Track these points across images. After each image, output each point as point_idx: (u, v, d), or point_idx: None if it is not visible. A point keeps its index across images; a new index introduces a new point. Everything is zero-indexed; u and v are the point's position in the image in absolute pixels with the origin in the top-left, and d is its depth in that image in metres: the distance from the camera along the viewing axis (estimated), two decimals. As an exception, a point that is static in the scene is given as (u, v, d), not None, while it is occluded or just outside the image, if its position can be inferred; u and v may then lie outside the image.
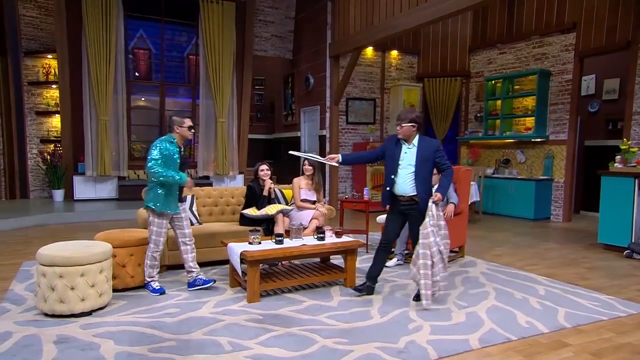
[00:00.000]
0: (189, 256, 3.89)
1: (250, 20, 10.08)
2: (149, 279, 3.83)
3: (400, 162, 3.60)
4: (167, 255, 4.39)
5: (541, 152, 8.42)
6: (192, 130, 3.87)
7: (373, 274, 3.81)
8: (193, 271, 3.90)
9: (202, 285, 3.86)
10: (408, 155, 3.59)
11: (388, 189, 3.66)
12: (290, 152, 4.27)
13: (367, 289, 3.79)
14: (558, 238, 6.56)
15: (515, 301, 3.69)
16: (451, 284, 4.15)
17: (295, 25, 10.84)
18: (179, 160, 3.79)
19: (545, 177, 8.19)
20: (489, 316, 3.35)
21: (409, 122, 3.54)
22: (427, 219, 3.46)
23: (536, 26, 8.34)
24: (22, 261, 4.79)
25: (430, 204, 3.47)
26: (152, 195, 3.71)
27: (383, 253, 3.80)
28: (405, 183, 3.57)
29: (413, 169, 3.56)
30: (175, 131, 3.80)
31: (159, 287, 3.79)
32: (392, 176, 3.61)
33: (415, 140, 3.59)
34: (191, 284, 3.89)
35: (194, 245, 3.94)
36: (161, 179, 3.63)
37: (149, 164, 3.63)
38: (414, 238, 3.64)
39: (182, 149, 3.89)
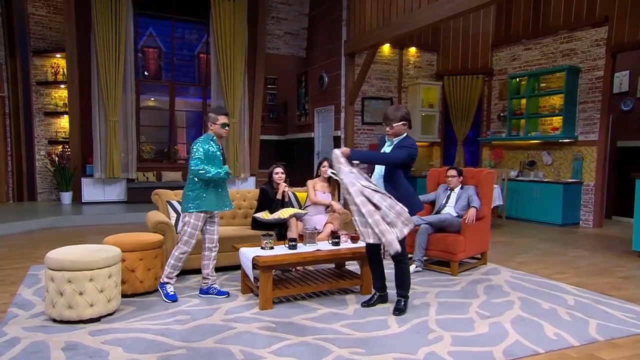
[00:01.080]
0: (211, 263, 3.92)
1: (262, 18, 10.15)
2: (166, 279, 3.80)
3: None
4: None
5: (569, 154, 8.30)
6: (227, 128, 3.78)
7: (378, 285, 3.79)
8: (209, 278, 3.92)
9: (215, 294, 3.88)
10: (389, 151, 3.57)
11: None
12: (330, 172, 4.31)
13: (379, 298, 3.77)
14: (588, 245, 6.45)
15: (542, 311, 3.63)
16: (473, 293, 4.11)
17: (309, 22, 10.88)
18: (222, 159, 3.79)
19: (573, 180, 8.06)
20: (514, 327, 3.30)
21: (400, 121, 3.49)
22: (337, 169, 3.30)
23: (564, 20, 8.23)
24: (30, 265, 4.88)
25: (336, 151, 3.31)
26: (193, 196, 3.70)
27: (373, 261, 3.76)
28: (379, 183, 3.53)
29: (383, 168, 3.53)
30: (210, 128, 3.76)
31: (172, 293, 3.78)
32: (377, 176, 3.59)
33: (397, 139, 3.54)
34: (204, 291, 3.91)
35: (216, 253, 3.96)
36: (208, 175, 3.60)
37: (193, 162, 3.62)
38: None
39: (222, 147, 3.86)
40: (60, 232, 6.76)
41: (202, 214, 3.74)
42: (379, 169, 3.58)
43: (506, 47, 9.43)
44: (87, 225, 7.38)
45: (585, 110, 8.03)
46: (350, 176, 3.30)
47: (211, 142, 3.74)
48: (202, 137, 3.78)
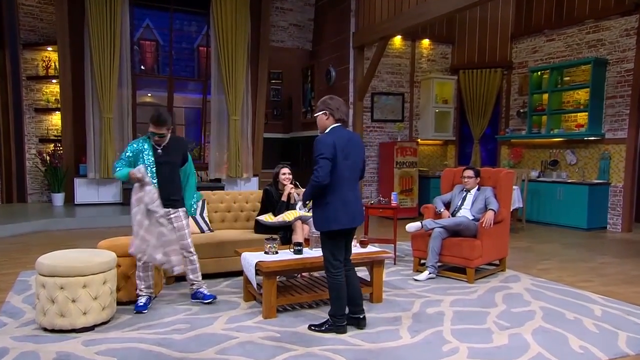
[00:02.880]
0: (189, 267, 3.94)
1: (266, 8, 10.17)
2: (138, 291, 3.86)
3: None
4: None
5: (595, 153, 8.24)
6: (156, 138, 3.77)
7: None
8: (195, 283, 3.98)
9: (202, 299, 3.92)
10: None
11: None
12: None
13: (348, 320, 3.45)
14: (617, 251, 6.39)
15: (567, 322, 3.60)
16: (491, 301, 4.09)
17: (316, 13, 10.89)
18: (152, 159, 3.78)
19: (600, 181, 8.00)
20: (536, 339, 3.28)
21: (319, 111, 3.38)
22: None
23: (590, 8, 8.17)
24: (20, 271, 4.91)
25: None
26: None
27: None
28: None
29: None
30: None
31: (142, 304, 3.76)
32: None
33: (327, 132, 3.34)
34: (193, 296, 4.00)
35: (194, 258, 3.96)
36: (114, 174, 3.83)
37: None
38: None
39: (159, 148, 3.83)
40: (52, 236, 6.80)
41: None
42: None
43: (527, 38, 9.38)
44: (80, 229, 7.42)
45: (613, 105, 7.97)
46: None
47: (145, 142, 3.83)
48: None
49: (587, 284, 4.71)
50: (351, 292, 3.44)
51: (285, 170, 4.94)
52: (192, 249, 3.94)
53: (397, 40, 9.57)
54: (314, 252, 3.97)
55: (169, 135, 3.87)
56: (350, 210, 3.27)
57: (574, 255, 6.05)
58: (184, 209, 3.96)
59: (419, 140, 9.83)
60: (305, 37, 11.08)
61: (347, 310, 3.40)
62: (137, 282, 3.80)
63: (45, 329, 3.29)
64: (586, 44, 8.34)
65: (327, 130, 3.35)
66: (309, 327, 3.41)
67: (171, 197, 3.83)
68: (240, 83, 9.75)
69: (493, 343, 3.20)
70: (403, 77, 9.79)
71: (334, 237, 3.28)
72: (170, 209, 3.83)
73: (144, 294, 3.80)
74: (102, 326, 3.39)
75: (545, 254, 6.13)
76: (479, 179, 5.06)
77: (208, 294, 3.95)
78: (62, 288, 3.23)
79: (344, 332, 3.33)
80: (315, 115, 3.43)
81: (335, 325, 3.34)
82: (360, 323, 3.45)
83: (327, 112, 3.35)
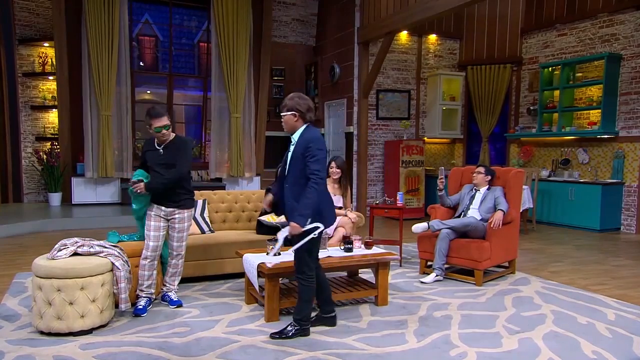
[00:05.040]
0: (169, 269, 3.97)
1: (268, 3, 10.17)
2: (137, 291, 3.88)
3: (287, 163, 3.37)
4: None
5: (609, 151, 8.21)
6: (164, 131, 3.77)
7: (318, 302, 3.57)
8: (165, 285, 4.01)
9: (168, 302, 3.95)
10: (289, 154, 3.35)
11: None
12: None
13: (317, 320, 3.53)
14: (631, 253, 6.37)
15: (579, 327, 3.59)
16: (500, 304, 4.08)
17: (320, 8, 10.89)
18: (150, 160, 3.85)
19: (614, 181, 7.96)
20: (547, 343, 3.27)
21: (288, 111, 3.28)
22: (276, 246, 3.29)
23: (604, 1, 8.14)
24: (16, 272, 4.93)
25: (282, 231, 3.19)
26: None
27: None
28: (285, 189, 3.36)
29: (287, 170, 3.35)
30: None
31: (141, 307, 3.78)
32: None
33: (297, 134, 3.30)
34: (162, 297, 4.05)
35: (180, 262, 3.98)
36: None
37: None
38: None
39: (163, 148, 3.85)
40: (49, 237, 6.83)
41: (150, 212, 3.83)
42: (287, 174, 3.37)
43: (537, 33, 9.35)
44: (77, 229, 7.44)
45: (628, 102, 7.94)
46: None
47: (151, 143, 3.87)
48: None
49: (600, 287, 4.69)
50: (327, 292, 3.53)
51: (287, 169, 4.93)
52: (183, 252, 3.95)
53: (403, 36, 9.56)
54: (321, 254, 3.96)
55: (170, 133, 3.86)
56: (332, 208, 3.45)
57: (586, 258, 6.03)
58: (191, 210, 3.96)
59: (425, 138, 9.82)
60: (308, 33, 11.08)
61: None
62: (140, 280, 3.81)
63: (41, 332, 3.30)
64: (599, 38, 8.31)
65: (299, 131, 3.29)
66: (271, 336, 3.31)
67: (176, 197, 3.83)
68: (242, 80, 9.75)
69: (502, 348, 3.20)
70: (409, 74, 9.78)
71: (317, 237, 3.27)
72: (175, 209, 3.84)
73: (144, 295, 3.81)
74: (100, 329, 3.40)
75: (557, 256, 6.11)
76: (489, 177, 5.04)
77: (175, 299, 3.96)
78: (59, 290, 3.24)
79: (309, 334, 3.37)
80: (282, 114, 3.32)
81: (302, 328, 3.35)
82: (333, 321, 3.54)
83: (296, 113, 3.27)
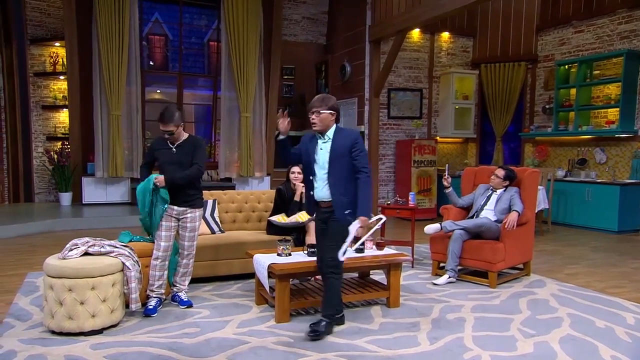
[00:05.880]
0: (180, 269, 4.01)
1: (278, 1, 10.18)
2: (148, 291, 3.92)
3: (316, 161, 3.48)
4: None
5: (627, 151, 8.12)
6: (166, 136, 3.85)
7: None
8: (176, 285, 4.04)
9: (178, 302, 3.98)
10: (323, 152, 3.46)
11: (311, 193, 3.55)
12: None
13: (335, 320, 3.56)
14: (648, 255, 6.30)
15: (597, 330, 3.56)
16: (514, 307, 4.05)
17: (330, 6, 10.88)
18: (162, 158, 3.89)
19: (632, 181, 7.87)
20: (563, 347, 3.24)
21: (328, 110, 3.41)
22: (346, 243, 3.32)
23: (622, -3, 8.06)
24: (27, 272, 5.00)
25: (353, 224, 3.28)
26: None
27: (323, 276, 3.56)
28: (322, 186, 3.45)
29: (327, 168, 3.43)
30: None
31: (151, 307, 3.81)
32: (311, 177, 3.52)
33: (331, 132, 3.46)
34: (172, 298, 4.07)
35: (190, 262, 4.01)
36: None
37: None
38: (322, 252, 3.49)
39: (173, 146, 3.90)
40: (60, 236, 6.90)
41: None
42: (322, 171, 3.47)
43: (553, 30, 9.27)
44: (88, 229, 7.51)
45: (645, 101, 7.85)
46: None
47: (162, 142, 3.90)
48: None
49: (619, 290, 4.63)
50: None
51: (295, 168, 4.93)
52: (193, 252, 4.01)
53: (415, 34, 9.52)
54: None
55: (182, 133, 3.89)
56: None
57: (603, 260, 5.96)
58: (201, 210, 4.03)
59: (437, 138, 9.78)
60: (319, 31, 11.08)
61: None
62: (150, 280, 3.84)
63: (53, 332, 3.34)
64: (618, 35, 8.21)
65: (333, 130, 3.46)
66: (312, 338, 3.31)
67: (188, 197, 3.87)
68: (252, 79, 9.78)
69: (517, 351, 3.17)
70: (421, 72, 9.74)
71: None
72: (187, 208, 3.87)
73: (154, 295, 3.84)
74: (111, 329, 3.44)
75: (573, 257, 6.05)
76: (507, 183, 4.98)
77: (186, 299, 3.99)
78: (70, 290, 3.27)
79: (344, 321, 3.59)
80: (321, 111, 3.41)
81: (335, 318, 3.50)
82: (341, 320, 3.64)
83: (334, 112, 3.46)
